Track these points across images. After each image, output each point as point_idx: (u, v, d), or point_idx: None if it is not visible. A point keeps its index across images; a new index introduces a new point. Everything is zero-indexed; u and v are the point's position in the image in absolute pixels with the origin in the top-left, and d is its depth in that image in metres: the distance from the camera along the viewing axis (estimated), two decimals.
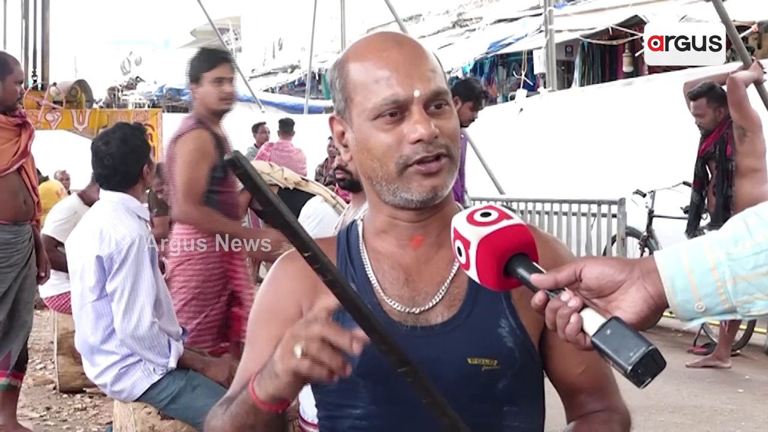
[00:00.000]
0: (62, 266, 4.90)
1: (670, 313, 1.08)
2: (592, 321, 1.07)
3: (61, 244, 4.84)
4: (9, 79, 4.18)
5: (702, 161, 5.74)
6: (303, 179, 5.58)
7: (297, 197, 5.14)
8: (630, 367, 1.02)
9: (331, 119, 1.41)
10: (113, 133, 3.44)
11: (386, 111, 1.30)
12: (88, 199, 5.62)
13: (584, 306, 1.08)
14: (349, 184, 3.19)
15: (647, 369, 1.03)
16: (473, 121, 5.75)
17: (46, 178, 9.91)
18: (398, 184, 1.32)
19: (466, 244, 1.15)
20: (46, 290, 5.38)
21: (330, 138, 10.44)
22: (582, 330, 1.08)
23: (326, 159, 11.26)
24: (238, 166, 0.97)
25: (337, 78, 1.37)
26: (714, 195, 5.66)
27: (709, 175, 5.75)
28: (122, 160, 3.32)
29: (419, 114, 1.29)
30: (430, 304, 1.36)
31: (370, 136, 1.32)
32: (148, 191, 3.60)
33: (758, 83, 5.65)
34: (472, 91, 5.67)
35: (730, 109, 5.37)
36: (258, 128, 10.63)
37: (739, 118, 5.28)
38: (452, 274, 1.37)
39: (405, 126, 1.30)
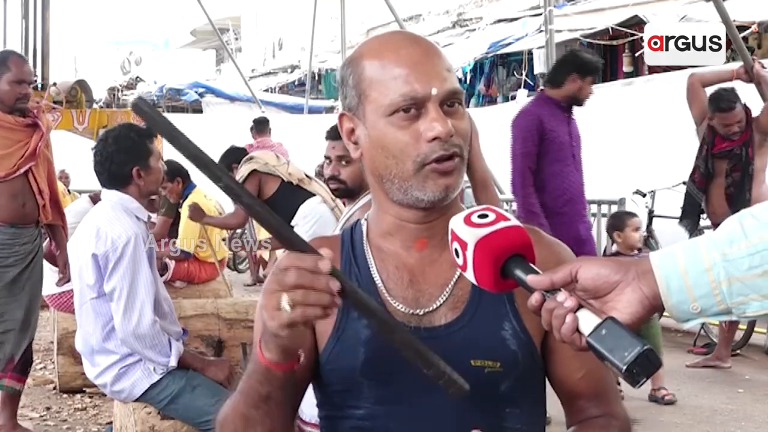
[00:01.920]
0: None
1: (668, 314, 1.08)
2: (587, 321, 1.07)
3: None
4: (5, 77, 4.08)
5: (712, 159, 5.62)
6: (307, 176, 5.55)
7: (298, 194, 5.13)
8: (625, 367, 1.03)
9: (341, 116, 1.40)
10: (112, 131, 3.46)
11: (403, 107, 1.30)
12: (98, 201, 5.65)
13: (580, 306, 1.09)
14: (344, 193, 3.17)
15: (642, 369, 1.03)
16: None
17: None
18: (413, 182, 1.32)
19: (464, 245, 1.15)
20: (47, 288, 5.38)
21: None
22: (578, 330, 1.08)
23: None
24: (143, 111, 0.98)
25: (350, 75, 1.36)
26: (725, 196, 5.53)
27: (713, 175, 5.66)
28: (108, 157, 3.31)
29: (436, 112, 1.30)
30: (434, 306, 1.36)
31: (386, 133, 1.32)
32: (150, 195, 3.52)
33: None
34: (590, 65, 5.06)
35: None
36: (253, 127, 10.65)
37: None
38: (456, 276, 1.37)
39: (421, 124, 1.30)
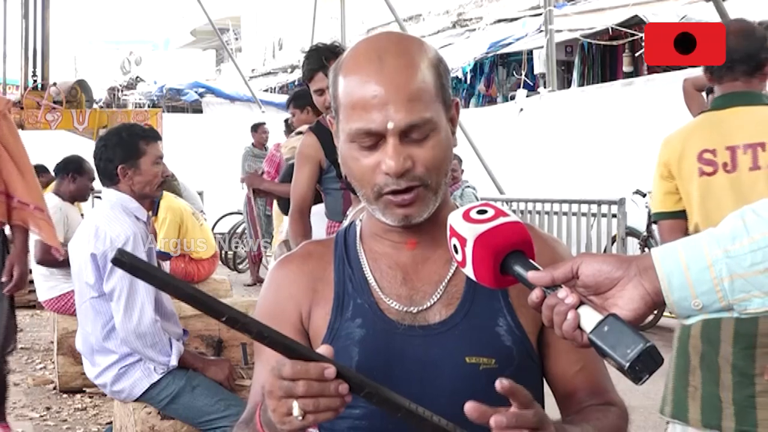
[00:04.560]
0: (60, 264, 4.89)
1: (670, 312, 1.07)
2: (589, 318, 1.07)
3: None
4: None
5: None
6: None
7: None
8: (627, 364, 1.02)
9: (330, 119, 1.41)
10: (109, 129, 3.50)
11: (360, 140, 1.29)
12: (64, 194, 5.66)
13: (581, 303, 1.09)
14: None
15: (645, 366, 1.02)
16: None
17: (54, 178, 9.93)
18: (375, 206, 1.33)
19: (463, 241, 1.15)
20: (43, 293, 5.39)
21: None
22: (579, 327, 1.08)
23: None
24: (123, 263, 0.99)
25: (332, 83, 1.36)
26: None
27: None
28: (97, 154, 3.35)
29: (392, 147, 1.27)
30: (428, 304, 1.36)
31: (350, 156, 1.32)
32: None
33: None
34: None
35: None
36: (257, 128, 10.61)
37: None
38: (450, 273, 1.37)
39: (379, 154, 1.29)
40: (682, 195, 2.75)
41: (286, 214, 5.34)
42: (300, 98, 6.01)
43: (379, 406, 1.11)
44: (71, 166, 5.69)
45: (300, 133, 5.40)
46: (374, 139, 1.29)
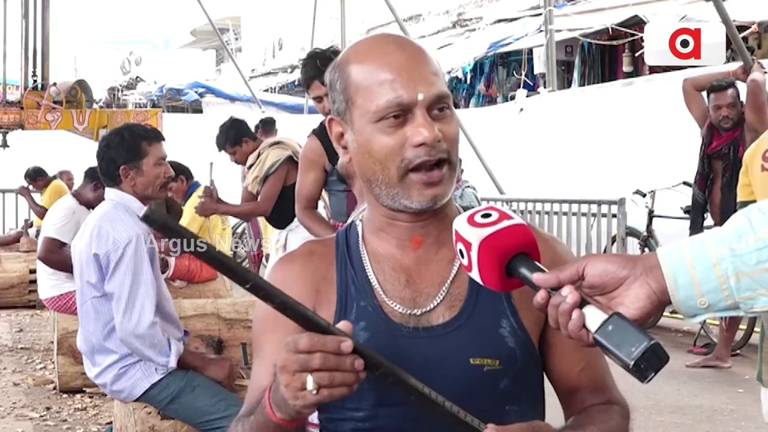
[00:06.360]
0: (69, 267, 4.89)
1: (671, 312, 1.08)
2: (594, 317, 1.07)
3: (65, 245, 4.84)
4: None
5: (708, 159, 5.64)
6: None
7: None
8: (632, 362, 1.03)
9: (330, 120, 1.40)
10: (112, 129, 3.49)
11: (390, 114, 1.29)
12: (82, 198, 5.63)
13: (587, 303, 1.09)
14: None
15: (650, 363, 1.03)
16: None
17: (54, 178, 9.93)
18: (398, 189, 1.32)
19: (468, 245, 1.15)
20: (45, 291, 5.38)
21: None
22: (584, 326, 1.08)
23: None
24: (153, 221, 1.00)
25: (337, 79, 1.36)
26: (722, 196, 5.55)
27: (711, 175, 5.68)
28: (99, 154, 3.35)
29: (423, 117, 1.29)
30: (432, 305, 1.36)
31: (373, 138, 1.31)
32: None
33: None
34: None
35: (749, 111, 5.30)
36: (259, 127, 10.64)
37: (756, 120, 5.20)
38: (453, 275, 1.37)
39: (408, 129, 1.29)
40: (753, 187, 3.27)
41: (272, 224, 5.33)
42: (230, 137, 5.83)
43: (393, 386, 1.12)
44: (99, 176, 5.60)
45: (252, 165, 5.33)
46: (402, 114, 1.30)
